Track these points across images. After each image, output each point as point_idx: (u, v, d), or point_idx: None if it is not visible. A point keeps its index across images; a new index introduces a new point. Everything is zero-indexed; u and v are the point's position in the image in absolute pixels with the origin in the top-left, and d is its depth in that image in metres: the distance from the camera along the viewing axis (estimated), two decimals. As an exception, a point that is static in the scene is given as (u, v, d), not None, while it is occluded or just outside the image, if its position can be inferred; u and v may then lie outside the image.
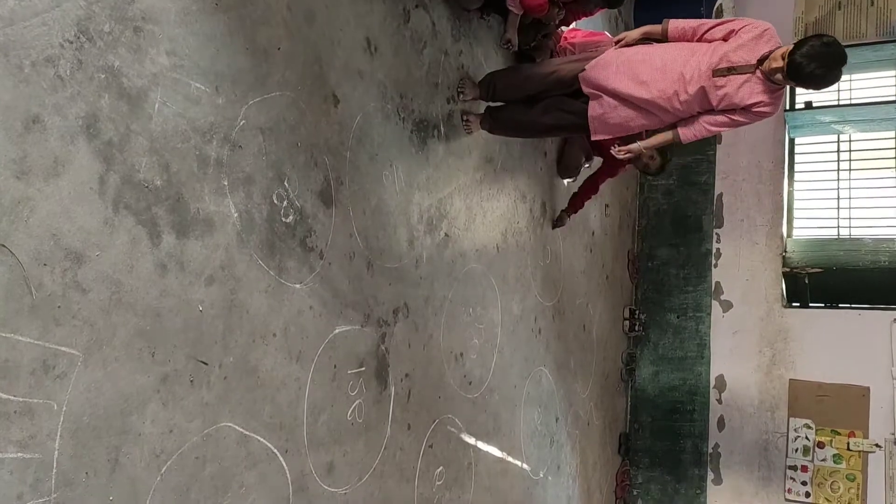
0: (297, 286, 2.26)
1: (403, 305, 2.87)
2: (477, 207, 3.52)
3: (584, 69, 3.10)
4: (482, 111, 3.46)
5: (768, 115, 2.91)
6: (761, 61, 2.78)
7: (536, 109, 3.28)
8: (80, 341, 1.58)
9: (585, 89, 3.10)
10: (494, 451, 3.73)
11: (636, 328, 6.34)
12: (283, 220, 2.20)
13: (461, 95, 3.32)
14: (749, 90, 2.82)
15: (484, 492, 3.60)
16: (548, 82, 3.22)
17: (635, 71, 2.97)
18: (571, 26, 3.98)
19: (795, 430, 5.79)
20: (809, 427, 5.74)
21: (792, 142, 6.35)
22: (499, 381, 3.76)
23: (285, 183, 2.21)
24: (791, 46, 2.71)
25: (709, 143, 6.39)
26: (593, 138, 3.25)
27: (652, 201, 6.66)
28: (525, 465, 4.15)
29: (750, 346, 6.06)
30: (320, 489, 2.38)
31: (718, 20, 2.99)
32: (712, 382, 6.16)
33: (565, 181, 4.68)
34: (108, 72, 1.66)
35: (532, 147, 4.18)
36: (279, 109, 2.20)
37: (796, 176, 6.36)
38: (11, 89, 1.45)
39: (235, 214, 2.02)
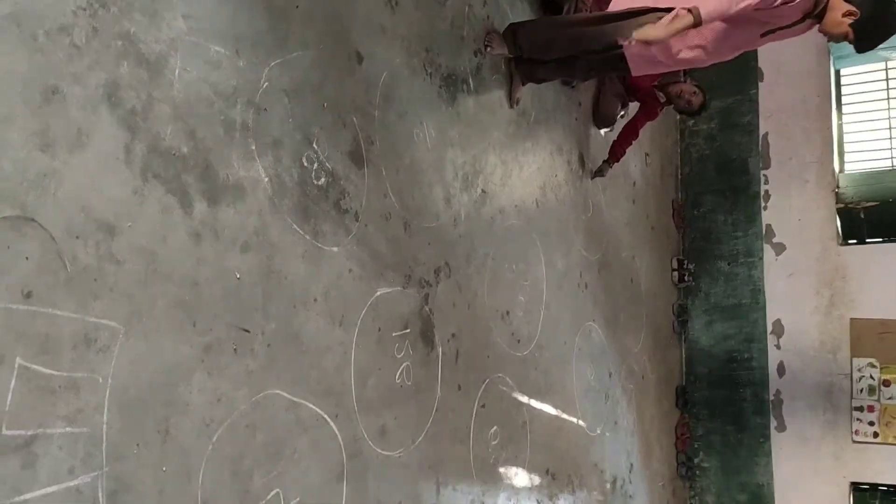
0: (335, 249, 2.22)
1: (444, 265, 2.82)
2: (512, 162, 3.43)
3: (615, 42, 3.02)
4: (511, 65, 3.38)
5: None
6: None
7: (575, 70, 3.35)
8: (119, 314, 1.56)
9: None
10: (549, 409, 3.69)
11: (685, 278, 6.20)
12: (315, 182, 2.16)
13: (488, 49, 3.22)
14: None
15: (541, 449, 3.56)
16: (576, 49, 3.18)
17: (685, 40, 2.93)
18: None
19: (859, 370, 5.61)
20: (874, 366, 5.56)
21: (838, 73, 6.08)
22: (548, 337, 3.69)
23: (314, 144, 2.16)
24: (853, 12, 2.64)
25: (750, 82, 6.16)
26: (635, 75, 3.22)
27: (694, 147, 6.46)
28: (581, 422, 4.09)
29: (807, 288, 5.87)
30: (374, 453, 2.36)
31: None
32: (769, 328, 6.00)
33: (602, 131, 4.55)
34: (125, 38, 1.62)
35: (566, 97, 4.06)
36: (302, 70, 2.14)
37: (844, 108, 6.10)
38: (27, 60, 1.42)
39: (266, 179, 1.98)
